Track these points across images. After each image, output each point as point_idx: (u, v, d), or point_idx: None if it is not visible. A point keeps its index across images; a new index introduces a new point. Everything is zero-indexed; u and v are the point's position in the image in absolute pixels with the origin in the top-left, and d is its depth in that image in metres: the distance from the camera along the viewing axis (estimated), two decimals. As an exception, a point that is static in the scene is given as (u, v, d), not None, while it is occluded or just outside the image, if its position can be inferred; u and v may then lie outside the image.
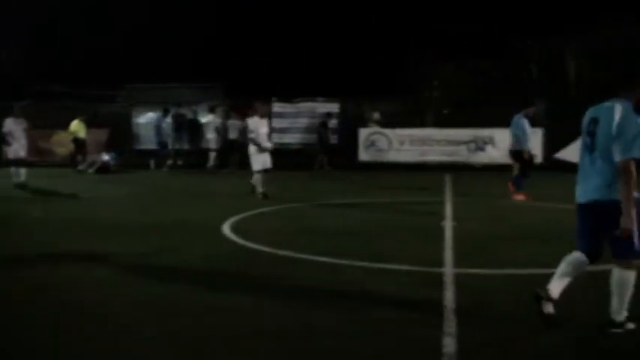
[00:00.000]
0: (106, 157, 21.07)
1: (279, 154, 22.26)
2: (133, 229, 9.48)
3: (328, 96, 23.12)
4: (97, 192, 14.71)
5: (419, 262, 6.84)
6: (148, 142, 23.30)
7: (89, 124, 22.08)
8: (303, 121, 23.17)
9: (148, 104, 23.60)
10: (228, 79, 23.62)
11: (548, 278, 6.24)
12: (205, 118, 22.16)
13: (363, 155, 22.32)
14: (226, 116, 21.90)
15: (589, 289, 5.25)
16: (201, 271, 6.80)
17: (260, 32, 27.75)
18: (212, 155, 21.44)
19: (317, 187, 16.35)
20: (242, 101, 22.13)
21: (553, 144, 20.29)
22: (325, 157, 21.72)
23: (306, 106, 23.20)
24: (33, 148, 23.27)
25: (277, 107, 22.94)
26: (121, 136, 23.29)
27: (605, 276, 4.65)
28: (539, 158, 20.88)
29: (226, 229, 9.15)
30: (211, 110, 21.97)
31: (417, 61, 24.48)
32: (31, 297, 5.75)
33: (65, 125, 22.87)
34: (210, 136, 21.54)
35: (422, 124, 23.02)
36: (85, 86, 25.39)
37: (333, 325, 4.87)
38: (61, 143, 23.43)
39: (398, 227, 9.65)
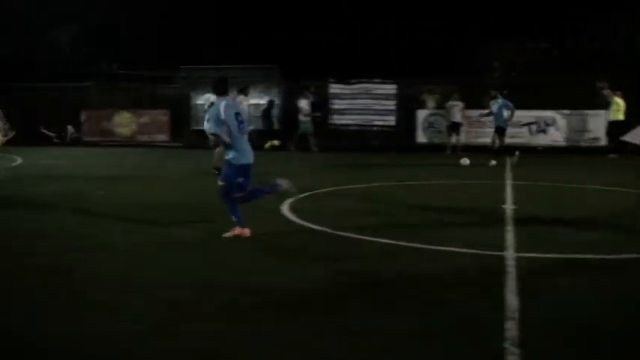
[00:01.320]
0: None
1: (337, 135, 22.55)
2: (190, 207, 9.63)
3: (385, 77, 22.93)
4: (160, 171, 15.02)
5: (480, 245, 6.77)
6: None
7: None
8: (360, 103, 22.99)
9: (206, 85, 23.86)
10: (282, 60, 23.61)
11: (605, 263, 6.13)
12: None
13: (421, 137, 22.14)
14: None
15: None
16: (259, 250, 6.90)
17: (314, 12, 27.60)
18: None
19: (373, 168, 16.26)
20: (297, 82, 22.38)
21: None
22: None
23: (362, 87, 23.02)
24: (96, 128, 24.16)
25: (334, 88, 22.90)
26: (182, 117, 23.67)
27: None
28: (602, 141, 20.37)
29: (285, 209, 9.22)
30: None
31: (475, 42, 24.04)
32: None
33: (125, 106, 23.71)
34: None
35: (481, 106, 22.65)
36: (145, 67, 25.96)
37: (392, 306, 4.90)
38: (121, 124, 24.08)
39: (458, 210, 9.50)
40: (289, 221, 8.43)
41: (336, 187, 11.75)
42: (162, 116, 23.79)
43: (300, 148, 20.70)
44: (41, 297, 5.19)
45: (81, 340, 4.21)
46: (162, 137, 23.66)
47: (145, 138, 23.70)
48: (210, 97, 12.55)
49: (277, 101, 22.99)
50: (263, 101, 22.42)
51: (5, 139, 24.39)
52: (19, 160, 17.32)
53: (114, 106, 24.39)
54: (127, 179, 13.43)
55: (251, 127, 10.55)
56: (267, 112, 22.31)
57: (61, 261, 6.36)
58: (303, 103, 21.10)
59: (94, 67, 27.41)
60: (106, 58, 29.18)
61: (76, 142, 24.14)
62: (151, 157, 19.38)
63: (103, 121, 24.20)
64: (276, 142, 21.31)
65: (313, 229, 7.86)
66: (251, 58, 23.92)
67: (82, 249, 6.89)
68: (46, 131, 24.88)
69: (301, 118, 21.09)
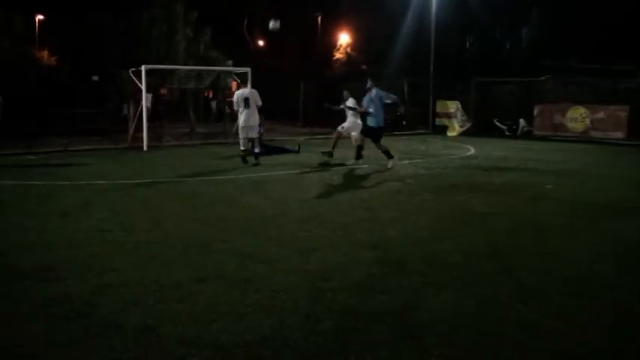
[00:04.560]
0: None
1: None
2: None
3: None
4: (614, 170, 14.06)
5: None
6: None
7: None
8: None
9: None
10: None
11: None
12: None
13: None
14: None
15: None
16: None
17: None
18: None
19: None
20: None
21: None
22: None
23: None
24: (548, 122, 23.91)
25: None
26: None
27: None
28: None
29: None
30: None
31: None
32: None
33: (581, 100, 22.95)
34: None
35: None
36: (605, 61, 24.62)
37: None
38: (575, 119, 23.31)
39: None
40: None
41: None
42: (620, 112, 22.24)
43: None
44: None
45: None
46: (617, 134, 22.15)
47: (598, 134, 22.54)
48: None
49: None
50: None
51: (462, 129, 26.02)
52: (472, 150, 18.20)
53: (568, 101, 23.76)
54: (577, 175, 12.89)
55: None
56: None
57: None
58: None
59: (554, 61, 27.20)
60: (566, 52, 28.66)
61: (527, 135, 24.31)
62: (604, 154, 18.26)
63: (556, 116, 23.80)
64: None
65: None
66: None
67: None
68: (498, 124, 25.66)
69: None
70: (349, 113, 14.61)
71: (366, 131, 13.86)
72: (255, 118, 13.96)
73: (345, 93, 14.95)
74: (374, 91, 13.48)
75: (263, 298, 4.88)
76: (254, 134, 14.09)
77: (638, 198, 10.06)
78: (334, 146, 14.70)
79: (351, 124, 14.57)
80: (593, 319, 4.51)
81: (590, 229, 7.49)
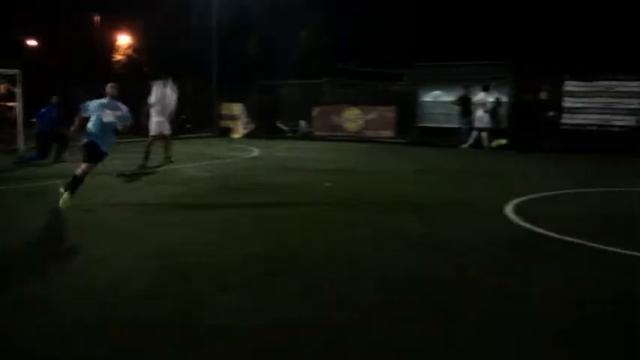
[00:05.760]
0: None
1: (572, 135, 21.07)
2: (413, 205, 9.65)
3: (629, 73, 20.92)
4: (385, 166, 15.23)
5: None
6: (431, 120, 23.75)
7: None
8: (599, 101, 21.20)
9: (435, 83, 23.85)
10: (516, 57, 22.72)
11: None
12: (477, 97, 21.31)
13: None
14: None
15: None
16: (478, 251, 6.66)
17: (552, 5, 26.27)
18: (483, 135, 20.79)
19: (610, 172, 14.92)
20: (531, 80, 21.44)
21: None
22: None
23: (603, 84, 21.20)
24: (326, 123, 25.22)
25: (570, 86, 21.44)
26: (407, 114, 23.86)
27: None
28: None
29: (509, 211, 8.84)
30: (485, 89, 21.20)
31: None
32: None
33: (355, 102, 24.57)
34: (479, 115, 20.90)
35: None
36: (378, 65, 26.56)
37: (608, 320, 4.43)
38: (350, 119, 24.92)
39: None
40: (511, 222, 8.12)
41: (567, 191, 11.01)
42: (388, 113, 24.19)
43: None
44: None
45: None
46: (387, 133, 24.07)
47: (371, 133, 24.29)
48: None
49: (505, 99, 22.23)
50: (491, 99, 21.68)
51: (246, 131, 26.50)
52: (257, 152, 18.66)
53: (345, 102, 25.31)
54: (352, 173, 13.79)
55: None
56: (493, 110, 21.62)
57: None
58: None
59: (332, 65, 28.69)
60: (344, 56, 30.28)
61: (308, 135, 25.44)
62: (377, 152, 19.75)
63: (333, 117, 25.22)
64: (503, 141, 20.60)
65: (538, 232, 7.47)
66: (484, 54, 23.25)
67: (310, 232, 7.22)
68: (281, 125, 26.54)
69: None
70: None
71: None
72: None
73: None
74: (122, 107, 9.70)
75: (46, 316, 4.65)
76: None
77: (409, 192, 11.00)
78: (167, 149, 15.05)
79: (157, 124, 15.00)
80: (376, 307, 4.83)
81: (366, 224, 8.02)
